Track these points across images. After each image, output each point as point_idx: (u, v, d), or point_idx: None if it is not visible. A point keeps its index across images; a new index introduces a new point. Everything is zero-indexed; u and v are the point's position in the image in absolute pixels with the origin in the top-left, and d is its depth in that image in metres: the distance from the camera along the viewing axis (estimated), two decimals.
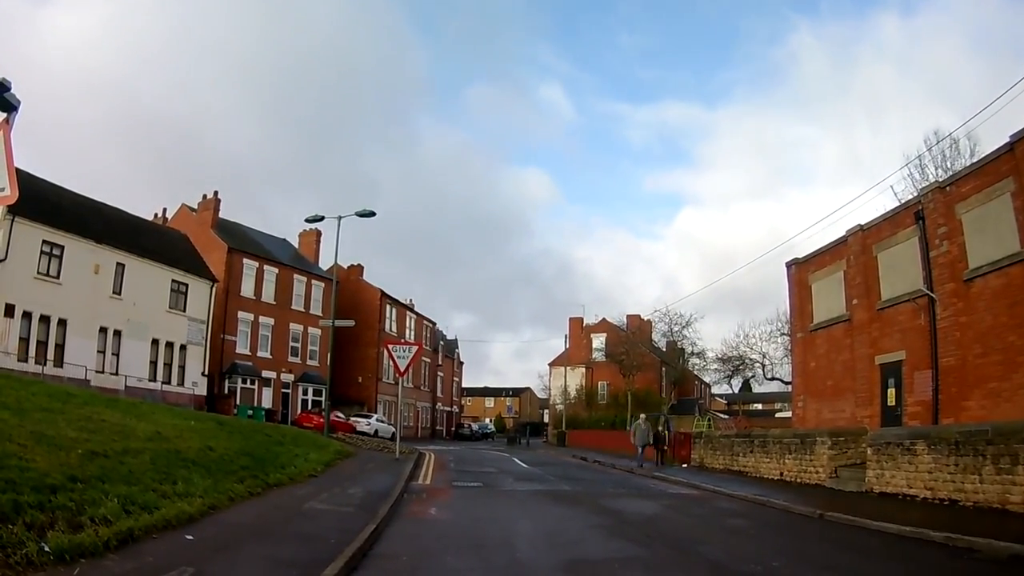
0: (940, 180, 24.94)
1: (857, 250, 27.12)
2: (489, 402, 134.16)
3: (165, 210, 60.23)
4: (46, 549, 7.10)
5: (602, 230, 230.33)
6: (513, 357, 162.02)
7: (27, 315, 35.42)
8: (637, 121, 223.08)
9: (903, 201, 28.12)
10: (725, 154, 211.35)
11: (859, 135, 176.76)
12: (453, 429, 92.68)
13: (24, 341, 35.32)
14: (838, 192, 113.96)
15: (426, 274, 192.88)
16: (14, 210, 32.56)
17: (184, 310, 46.49)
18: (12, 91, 7.07)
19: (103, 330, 40.14)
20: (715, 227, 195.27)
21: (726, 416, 72.08)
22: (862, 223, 27.19)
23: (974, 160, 27.08)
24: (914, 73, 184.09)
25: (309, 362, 60.74)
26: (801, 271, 31.97)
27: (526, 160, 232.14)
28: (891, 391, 24.56)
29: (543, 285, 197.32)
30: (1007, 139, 19.66)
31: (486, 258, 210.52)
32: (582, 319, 79.86)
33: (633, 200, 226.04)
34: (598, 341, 77.22)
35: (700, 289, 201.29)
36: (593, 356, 77.20)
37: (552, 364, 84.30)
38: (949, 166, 35.00)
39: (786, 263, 33.29)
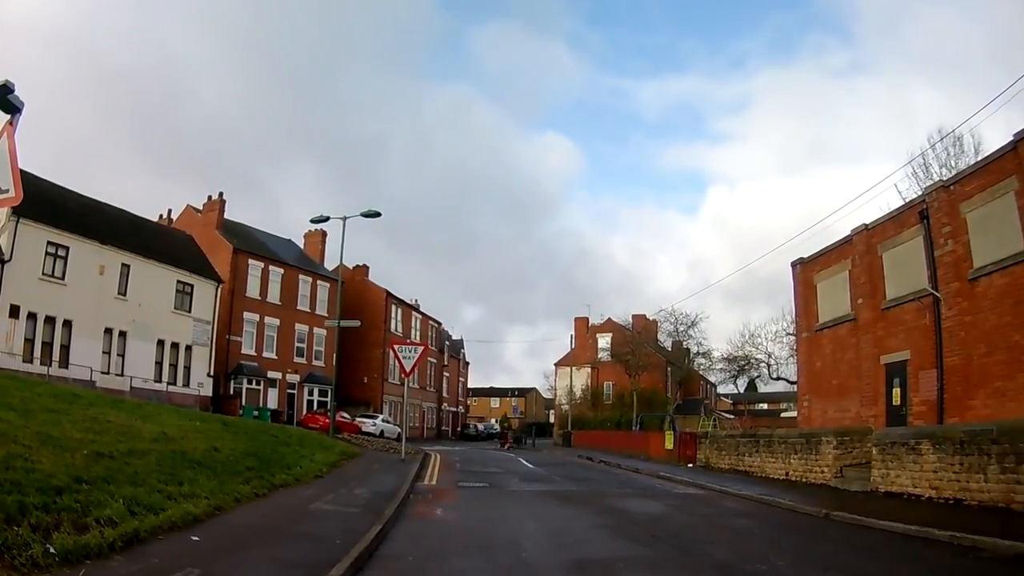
0: (944, 179, 24.89)
1: (862, 249, 27.07)
2: (495, 402, 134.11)
3: (170, 211, 60.54)
4: (51, 551, 7.11)
5: (625, 210, 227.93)
6: (525, 354, 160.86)
7: (32, 316, 35.56)
8: (668, 92, 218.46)
9: (907, 200, 28.05)
10: (757, 129, 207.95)
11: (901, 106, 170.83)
12: (459, 429, 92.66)
13: (29, 342, 35.46)
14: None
15: (438, 260, 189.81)
16: (19, 211, 32.71)
17: (189, 311, 46.63)
18: (16, 93, 7.09)
19: (108, 331, 40.26)
20: (747, 207, 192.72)
21: (731, 416, 72.16)
22: (867, 222, 27.15)
23: (978, 158, 27.03)
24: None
25: (315, 363, 60.88)
26: (806, 270, 31.92)
27: (545, 126, 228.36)
28: (896, 391, 24.50)
29: (562, 270, 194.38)
30: (1011, 137, 19.62)
31: (502, 241, 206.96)
32: (587, 319, 79.84)
33: (657, 177, 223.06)
34: (603, 341, 77.06)
35: (704, 289, 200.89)
36: (599, 356, 77.03)
37: (558, 364, 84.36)
38: (953, 164, 34.89)
39: (791, 263, 33.24)
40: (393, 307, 73.61)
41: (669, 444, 37.90)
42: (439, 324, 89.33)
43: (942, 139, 36.54)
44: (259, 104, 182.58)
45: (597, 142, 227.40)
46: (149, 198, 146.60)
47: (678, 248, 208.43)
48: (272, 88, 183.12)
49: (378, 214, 34.53)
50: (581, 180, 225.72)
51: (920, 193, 26.42)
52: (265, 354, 55.67)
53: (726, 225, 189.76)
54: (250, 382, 53.58)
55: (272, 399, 55.07)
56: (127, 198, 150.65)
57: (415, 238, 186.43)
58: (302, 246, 68.20)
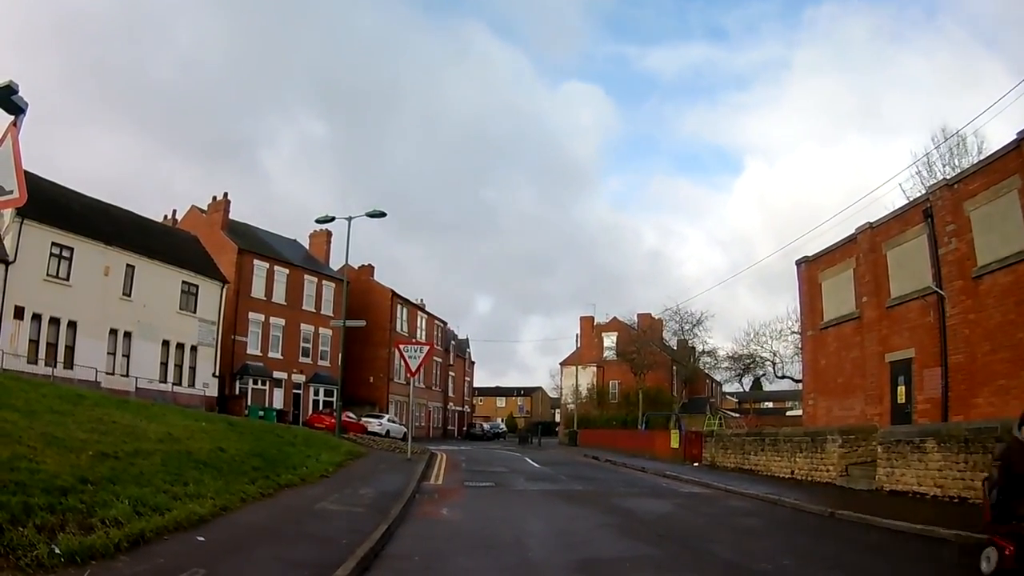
0: (948, 177, 24.85)
1: (866, 248, 27.05)
2: (500, 402, 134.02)
3: (175, 211, 60.60)
4: (56, 551, 7.13)
5: (654, 184, 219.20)
6: (538, 350, 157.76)
7: (36, 317, 35.61)
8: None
9: (912, 199, 28.03)
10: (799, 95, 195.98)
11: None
12: (465, 429, 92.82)
13: (34, 343, 35.49)
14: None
15: (449, 240, 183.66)
16: (23, 213, 32.85)
17: (195, 311, 46.63)
18: (19, 94, 7.11)
19: (113, 332, 40.30)
20: (788, 181, 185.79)
21: (737, 415, 72.01)
22: (871, 221, 27.14)
23: (981, 157, 27.00)
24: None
25: (320, 363, 60.87)
26: (811, 269, 31.89)
27: (571, 76, 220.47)
28: (901, 389, 24.49)
29: (585, 250, 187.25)
30: (1014, 136, 19.60)
31: (523, 216, 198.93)
32: (593, 318, 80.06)
33: (686, 148, 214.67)
34: (609, 340, 77.18)
35: (711, 287, 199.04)
36: (604, 355, 77.15)
37: (563, 363, 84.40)
38: (957, 163, 34.88)
39: (796, 261, 33.19)
40: (398, 307, 73.68)
41: (675, 443, 37.87)
42: (445, 324, 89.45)
43: (947, 139, 36.54)
44: (244, 46, 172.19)
45: (628, 108, 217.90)
46: (153, 198, 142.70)
47: (713, 227, 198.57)
48: (258, 25, 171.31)
49: (383, 214, 34.66)
50: (609, 148, 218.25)
51: (924, 192, 26.42)
52: (270, 354, 55.66)
53: (765, 201, 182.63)
54: (255, 382, 53.60)
55: (278, 399, 55.09)
56: (131, 199, 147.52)
57: (424, 216, 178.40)
58: (307, 246, 68.10)
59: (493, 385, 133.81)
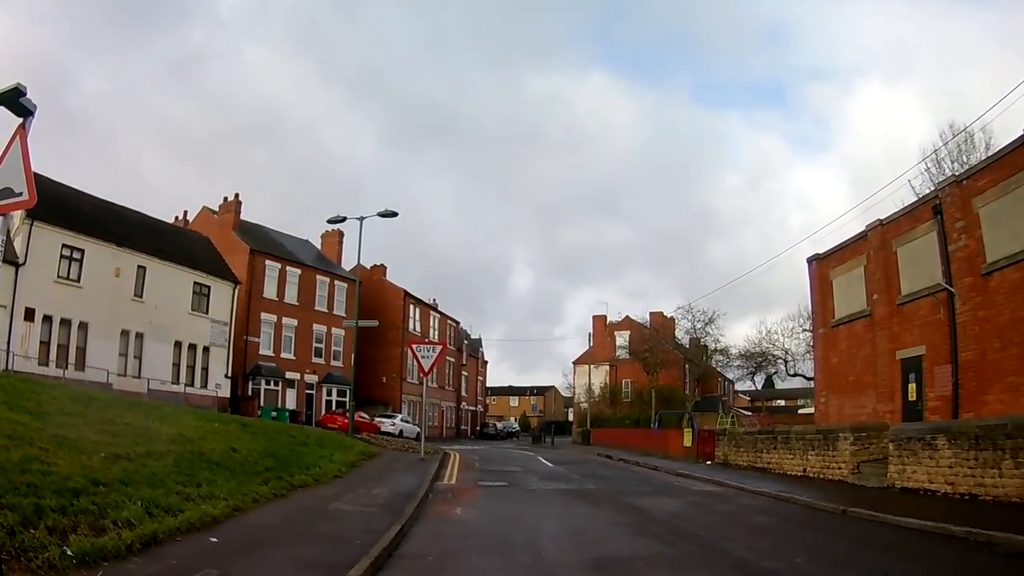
0: (956, 174, 24.79)
1: (877, 245, 26.99)
2: (514, 401, 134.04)
3: (186, 212, 60.75)
4: (68, 553, 7.18)
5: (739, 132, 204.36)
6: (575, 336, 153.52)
7: (47, 319, 35.70)
8: None
9: (921, 196, 27.97)
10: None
11: None
12: (478, 428, 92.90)
13: (45, 345, 35.58)
14: None
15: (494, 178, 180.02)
16: (33, 214, 32.97)
17: (207, 312, 46.71)
18: (28, 96, 7.14)
19: (125, 333, 40.39)
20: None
21: (749, 413, 71.82)
22: (881, 218, 27.09)
23: (989, 154, 26.91)
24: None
25: (333, 363, 60.93)
26: (822, 267, 31.83)
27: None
28: (912, 386, 24.43)
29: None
30: (1022, 131, 19.55)
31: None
32: (605, 316, 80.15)
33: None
34: (621, 339, 77.26)
35: (719, 288, 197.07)
36: (617, 354, 77.24)
37: (576, 362, 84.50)
38: (965, 160, 34.77)
39: (807, 259, 33.15)
40: (411, 307, 73.72)
41: (688, 441, 37.82)
42: (457, 323, 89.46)
43: (955, 136, 36.43)
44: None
45: None
46: (164, 198, 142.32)
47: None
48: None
49: (395, 214, 34.65)
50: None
51: (933, 188, 26.36)
52: (283, 355, 55.74)
53: None
54: (268, 383, 53.69)
55: (290, 400, 55.16)
56: (141, 200, 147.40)
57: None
58: (319, 246, 68.24)
59: (506, 384, 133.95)
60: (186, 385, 44.01)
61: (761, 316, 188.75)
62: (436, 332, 79.48)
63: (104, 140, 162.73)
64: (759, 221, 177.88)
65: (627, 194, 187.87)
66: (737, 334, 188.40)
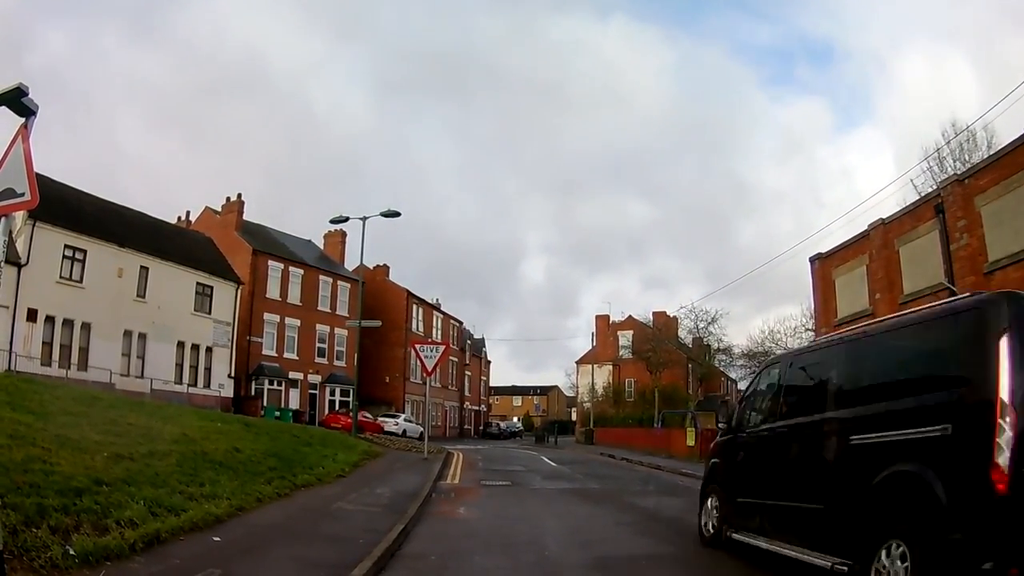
0: (958, 173, 24.69)
1: (879, 244, 26.87)
2: (517, 400, 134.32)
3: (188, 213, 60.63)
4: (71, 552, 7.10)
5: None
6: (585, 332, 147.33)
7: (50, 319, 35.74)
8: None
9: (923, 194, 27.87)
10: None
11: None
12: (481, 428, 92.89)
13: (47, 345, 35.62)
14: None
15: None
16: (35, 215, 32.91)
17: (209, 312, 46.74)
18: (30, 96, 7.06)
19: (127, 333, 40.40)
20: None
21: None
22: (883, 217, 27.01)
23: (991, 152, 26.82)
24: None
25: (336, 363, 61.00)
26: (824, 266, 31.71)
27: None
28: None
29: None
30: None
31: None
32: (608, 316, 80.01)
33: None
34: (624, 338, 77.27)
35: (720, 288, 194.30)
36: (620, 353, 77.26)
37: (579, 362, 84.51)
38: (967, 159, 34.69)
39: (809, 258, 33.00)
40: (414, 306, 73.79)
41: (691, 441, 37.78)
42: (460, 323, 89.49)
43: (957, 135, 36.36)
44: None
45: None
46: (166, 198, 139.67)
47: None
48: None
49: (397, 214, 34.54)
50: None
51: (935, 187, 26.26)
52: (286, 355, 55.78)
53: None
54: (271, 383, 53.68)
55: (294, 399, 55.18)
56: (143, 201, 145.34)
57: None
58: (321, 246, 68.28)
59: (510, 384, 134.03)
60: (189, 385, 44.06)
61: (778, 311, 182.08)
62: (439, 332, 79.52)
63: (76, 107, 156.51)
64: (795, 197, 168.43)
65: (652, 164, 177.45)
66: (752, 329, 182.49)
